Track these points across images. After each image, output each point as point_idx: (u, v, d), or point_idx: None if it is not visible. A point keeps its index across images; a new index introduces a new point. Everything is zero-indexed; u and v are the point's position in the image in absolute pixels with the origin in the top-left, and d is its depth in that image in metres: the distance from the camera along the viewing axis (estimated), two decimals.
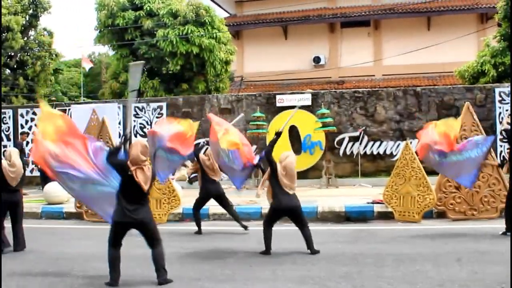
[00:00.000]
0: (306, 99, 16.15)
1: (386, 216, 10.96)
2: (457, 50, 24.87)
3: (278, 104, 16.35)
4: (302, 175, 14.96)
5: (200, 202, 9.84)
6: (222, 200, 9.82)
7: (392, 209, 10.83)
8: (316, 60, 27.36)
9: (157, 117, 16.87)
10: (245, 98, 16.95)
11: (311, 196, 12.75)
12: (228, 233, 9.71)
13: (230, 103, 16.98)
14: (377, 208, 11.31)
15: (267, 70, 27.15)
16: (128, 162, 5.95)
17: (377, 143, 15.89)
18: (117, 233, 6.07)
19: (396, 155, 15.64)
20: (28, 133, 17.32)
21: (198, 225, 9.78)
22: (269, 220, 7.79)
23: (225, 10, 29.63)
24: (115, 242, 6.07)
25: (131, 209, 5.94)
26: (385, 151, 15.86)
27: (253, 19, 28.03)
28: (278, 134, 7.96)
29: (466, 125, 10.77)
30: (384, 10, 26.73)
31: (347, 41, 27.67)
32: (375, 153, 15.90)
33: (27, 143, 16.90)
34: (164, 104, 16.98)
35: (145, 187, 5.93)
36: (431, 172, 10.86)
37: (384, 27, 27.51)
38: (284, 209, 7.60)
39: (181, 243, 8.75)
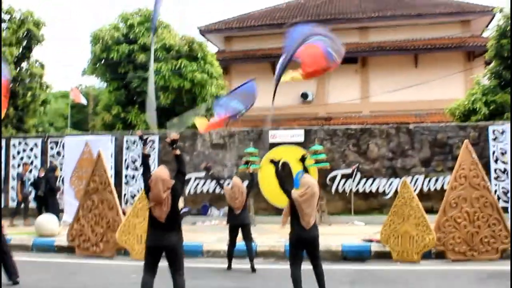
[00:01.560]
0: (299, 135, 16.07)
1: (384, 256, 10.78)
2: (444, 88, 25.05)
3: (270, 140, 16.22)
4: None
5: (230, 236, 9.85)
6: (245, 231, 9.76)
7: (390, 249, 10.66)
8: (304, 96, 27.38)
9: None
10: (237, 134, 16.82)
11: None
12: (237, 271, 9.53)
13: (222, 138, 16.85)
14: (374, 247, 11.13)
15: (255, 106, 26.97)
16: (149, 196, 6.03)
17: (370, 181, 15.79)
18: (147, 258, 6.11)
19: (388, 193, 15.56)
20: (30, 163, 17.20)
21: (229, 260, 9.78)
22: (292, 257, 7.20)
23: (214, 45, 29.71)
24: (146, 267, 6.10)
25: (158, 235, 6.04)
26: (377, 188, 15.74)
27: (242, 54, 28.10)
28: (275, 163, 7.69)
29: (465, 164, 10.69)
30: (372, 47, 26.94)
31: (335, 77, 27.69)
32: (367, 190, 15.78)
33: (30, 171, 16.73)
34: (156, 138, 16.81)
35: (162, 221, 6.00)
36: (430, 211, 10.74)
37: (372, 64, 27.68)
38: (304, 241, 7.11)
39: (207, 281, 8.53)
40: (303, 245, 7.10)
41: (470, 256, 10.33)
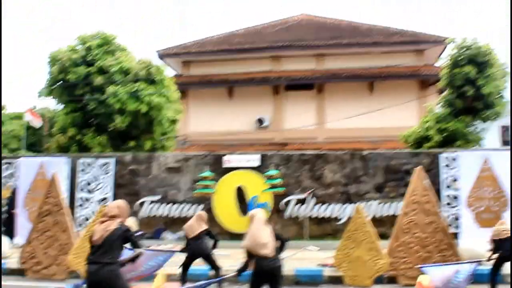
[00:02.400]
0: (254, 160, 16.07)
1: (337, 280, 10.81)
2: (399, 115, 25.50)
3: (225, 165, 16.18)
4: None
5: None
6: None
7: (343, 273, 10.68)
8: (260, 121, 27.50)
9: (103, 174, 16.51)
10: (193, 158, 16.72)
11: None
12: None
13: (177, 162, 16.72)
14: (327, 272, 11.16)
15: (211, 130, 27.11)
16: None
17: (324, 206, 15.85)
18: None
19: (342, 218, 15.64)
20: None
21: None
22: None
23: (173, 69, 29.62)
24: None
25: None
26: (331, 214, 15.81)
27: (199, 79, 28.10)
28: None
29: (417, 190, 10.87)
30: (328, 74, 27.30)
31: (291, 103, 28.01)
32: (321, 216, 15.82)
33: None
34: (111, 161, 16.62)
35: None
36: (383, 237, 10.83)
37: (328, 90, 28.01)
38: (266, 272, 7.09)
39: None
40: (265, 276, 7.09)
41: None
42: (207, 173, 15.59)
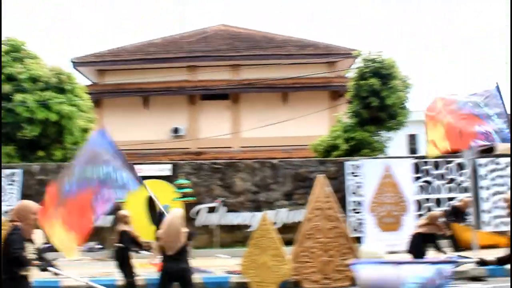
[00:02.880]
0: (165, 169, 16.11)
1: (243, 287, 11.03)
2: (311, 125, 26.18)
3: None
4: None
5: None
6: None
7: (249, 280, 10.92)
8: (175, 131, 27.50)
9: (9, 184, 16.03)
10: None
11: None
12: None
13: None
14: (234, 279, 11.36)
15: (126, 139, 26.77)
16: None
17: (235, 214, 16.08)
18: None
19: (252, 225, 15.91)
20: None
21: None
22: None
23: (87, 77, 29.09)
24: None
25: None
26: (242, 222, 16.07)
27: (114, 88, 27.78)
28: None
29: (320, 197, 11.30)
30: (243, 84, 27.68)
31: (207, 113, 28.20)
32: (232, 224, 16.05)
33: None
34: (19, 171, 16.16)
35: None
36: (291, 242, 11.17)
37: (243, 100, 28.42)
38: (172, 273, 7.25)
39: None
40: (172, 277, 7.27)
41: (324, 284, 10.82)
42: (182, 181, 15.52)
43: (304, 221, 11.38)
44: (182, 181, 15.48)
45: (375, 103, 18.50)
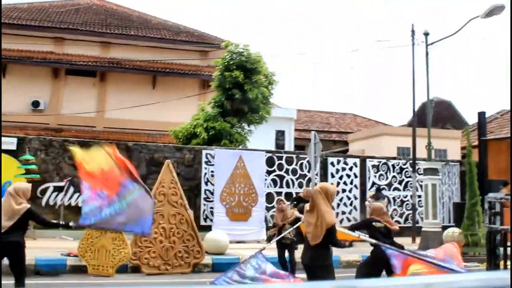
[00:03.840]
0: (10, 143, 15.21)
1: (80, 270, 10.70)
2: (179, 111, 25.97)
3: None
4: None
5: None
6: None
7: (86, 263, 10.61)
8: (35, 104, 26.12)
9: None
10: None
11: None
12: None
13: None
14: (70, 261, 10.98)
15: None
16: None
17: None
18: None
19: None
20: None
21: None
22: None
23: None
24: None
25: None
26: None
27: None
28: None
29: (165, 182, 11.20)
30: (112, 63, 26.89)
31: (71, 89, 27.05)
32: (80, 204, 15.50)
33: None
34: None
35: None
36: None
37: (110, 80, 27.57)
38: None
39: None
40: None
41: (164, 270, 10.77)
42: (28, 156, 14.43)
43: None
44: (27, 156, 14.67)
45: (238, 95, 18.68)
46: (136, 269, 10.86)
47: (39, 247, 12.43)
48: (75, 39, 27.34)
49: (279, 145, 34.62)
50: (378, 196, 16.46)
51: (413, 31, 18.47)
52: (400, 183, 18.53)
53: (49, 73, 26.97)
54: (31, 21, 27.10)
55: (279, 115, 35.89)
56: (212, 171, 15.96)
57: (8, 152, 15.08)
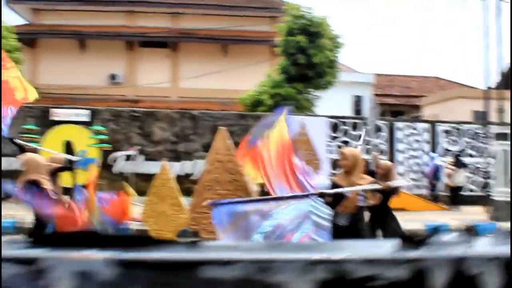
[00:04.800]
0: (83, 115, 15.97)
1: (144, 234, 11.18)
2: (251, 79, 26.02)
3: (52, 118, 15.94)
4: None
5: None
6: None
7: (149, 228, 11.06)
8: (113, 77, 27.13)
9: None
10: (19, 110, 16.23)
11: None
12: None
13: None
14: (135, 226, 11.49)
15: (62, 83, 26.30)
16: None
17: (152, 163, 16.13)
18: None
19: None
20: None
21: None
22: None
23: (21, 16, 28.20)
24: None
25: None
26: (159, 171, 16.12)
27: (49, 29, 27.04)
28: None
29: (220, 149, 11.39)
30: (182, 33, 27.33)
31: (145, 60, 27.84)
32: (149, 172, 16.10)
33: None
34: None
35: None
36: (187, 193, 11.35)
37: (183, 50, 28.11)
38: None
39: None
40: None
41: None
42: (31, 126, 15.26)
43: (203, 172, 11.49)
44: (98, 127, 15.37)
45: (302, 60, 18.58)
46: (195, 234, 11.19)
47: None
48: (146, 11, 27.97)
49: (357, 111, 34.20)
50: (458, 164, 16.05)
51: None
52: (474, 149, 17.83)
53: (123, 46, 27.84)
54: None
55: (356, 80, 35.45)
56: None
57: (82, 123, 15.84)
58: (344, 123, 16.77)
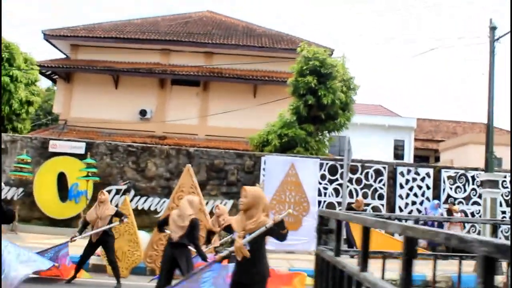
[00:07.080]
0: (79, 147, 16.11)
1: (100, 269, 11.00)
2: (275, 118, 25.91)
3: (51, 149, 16.17)
4: (66, 223, 14.82)
5: None
6: None
7: (105, 263, 10.87)
8: (143, 113, 27.49)
9: None
10: (20, 140, 16.61)
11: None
12: None
13: (4, 143, 16.56)
14: (93, 260, 11.31)
15: (93, 117, 26.86)
16: None
17: (143, 198, 16.03)
18: None
19: (161, 211, 15.86)
20: None
21: None
22: None
23: (60, 51, 29.21)
24: None
25: None
26: (150, 207, 16.01)
27: (85, 64, 27.82)
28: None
29: (185, 186, 11.18)
30: (213, 72, 27.51)
31: (176, 98, 28.11)
32: (140, 208, 15.99)
33: None
34: None
35: None
36: (146, 228, 11.10)
37: (212, 89, 28.24)
38: None
39: None
40: None
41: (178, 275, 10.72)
42: (23, 156, 15.50)
43: (165, 209, 11.28)
44: (89, 160, 15.45)
45: (311, 101, 18.21)
46: (153, 272, 10.92)
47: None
48: (180, 50, 28.39)
49: (398, 156, 33.29)
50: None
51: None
52: (480, 196, 16.77)
53: (155, 83, 28.26)
54: (140, 34, 28.58)
55: (398, 124, 34.65)
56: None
57: (77, 156, 15.98)
58: (341, 166, 16.20)
